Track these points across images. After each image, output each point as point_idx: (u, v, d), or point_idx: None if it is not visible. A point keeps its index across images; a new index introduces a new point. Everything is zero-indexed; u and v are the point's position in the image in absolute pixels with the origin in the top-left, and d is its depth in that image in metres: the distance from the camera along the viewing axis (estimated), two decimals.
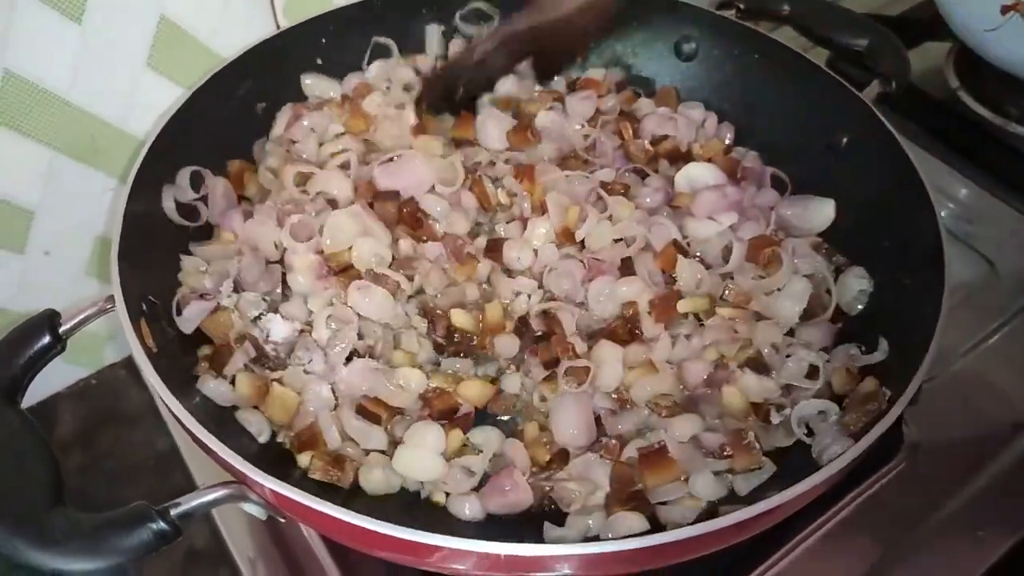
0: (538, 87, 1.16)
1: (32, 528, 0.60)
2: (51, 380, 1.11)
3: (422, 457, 0.80)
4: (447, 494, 0.80)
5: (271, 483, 0.64)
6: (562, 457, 0.83)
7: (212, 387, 0.82)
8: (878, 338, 0.86)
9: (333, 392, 0.84)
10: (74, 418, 1.11)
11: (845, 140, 1.02)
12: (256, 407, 0.84)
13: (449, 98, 1.09)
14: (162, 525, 0.61)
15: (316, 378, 0.85)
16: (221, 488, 0.66)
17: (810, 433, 0.82)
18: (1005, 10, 1.17)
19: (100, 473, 1.05)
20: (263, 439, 0.82)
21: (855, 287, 0.94)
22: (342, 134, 1.07)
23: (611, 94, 1.15)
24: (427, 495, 0.81)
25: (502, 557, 0.62)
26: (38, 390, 1.08)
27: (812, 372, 0.86)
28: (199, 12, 0.98)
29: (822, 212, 1.01)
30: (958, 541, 0.89)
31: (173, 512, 0.62)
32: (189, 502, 0.63)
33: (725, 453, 0.80)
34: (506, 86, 1.13)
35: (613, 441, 0.83)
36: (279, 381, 0.85)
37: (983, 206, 1.21)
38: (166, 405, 0.69)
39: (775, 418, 0.84)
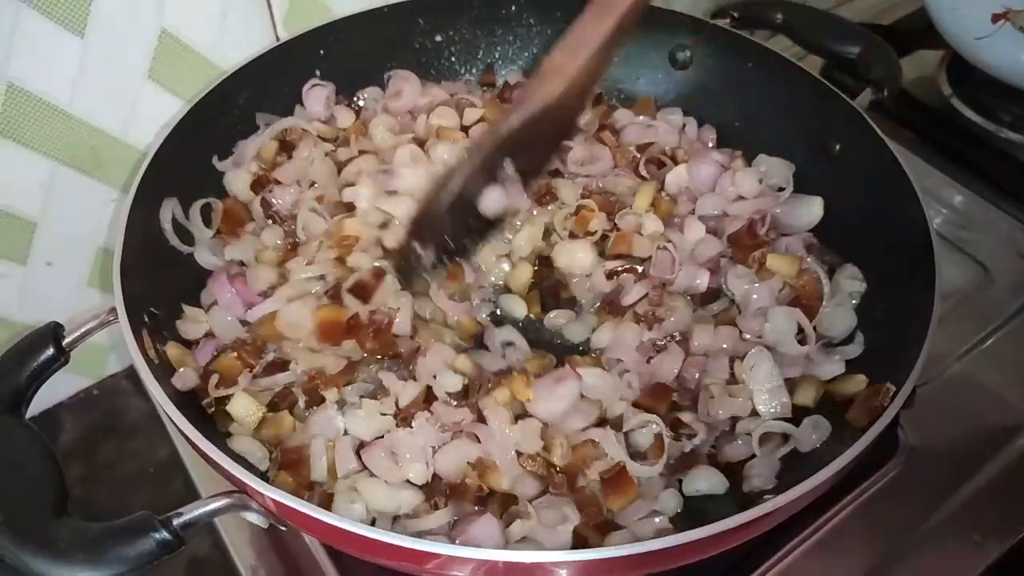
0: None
1: (37, 538, 0.61)
2: (54, 390, 1.11)
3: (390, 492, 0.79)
4: None
5: (272, 492, 0.64)
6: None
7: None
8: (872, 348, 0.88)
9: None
10: (77, 427, 1.11)
11: (838, 147, 1.03)
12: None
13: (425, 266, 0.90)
14: (165, 535, 0.61)
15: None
16: (223, 498, 0.66)
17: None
18: (996, 19, 1.18)
19: (103, 482, 1.05)
20: (263, 467, 0.81)
21: (848, 288, 0.95)
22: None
23: (586, 109, 1.14)
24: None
25: (500, 564, 0.63)
26: (41, 400, 1.07)
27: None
28: (199, 25, 0.99)
29: (811, 210, 1.03)
30: (954, 544, 0.90)
31: (175, 522, 0.63)
32: (191, 512, 0.64)
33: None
34: (492, 201, 0.85)
35: (559, 476, 0.82)
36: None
37: (977, 211, 1.23)
38: (168, 416, 0.70)
39: (740, 436, 0.85)
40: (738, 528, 0.63)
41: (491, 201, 0.85)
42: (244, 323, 0.92)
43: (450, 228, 0.87)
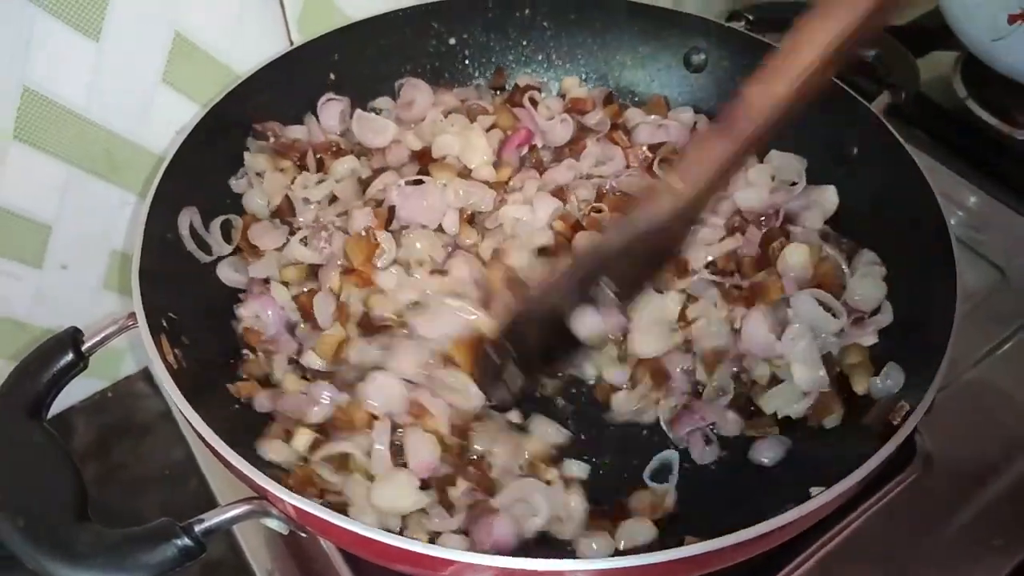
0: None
1: (58, 543, 0.61)
2: (69, 392, 1.10)
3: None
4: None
5: (293, 499, 0.64)
6: None
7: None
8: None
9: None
10: (91, 429, 1.11)
11: (855, 150, 1.02)
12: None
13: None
14: (187, 541, 0.61)
15: None
16: (243, 504, 0.66)
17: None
18: (1012, 19, 1.17)
19: (117, 484, 1.06)
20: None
21: (868, 271, 0.95)
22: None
23: (597, 109, 1.16)
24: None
25: (517, 572, 0.63)
26: (55, 402, 1.08)
27: None
28: (213, 29, 0.99)
29: (827, 199, 1.03)
30: (974, 550, 0.89)
31: (197, 528, 0.62)
32: (212, 518, 0.64)
33: None
34: (586, 323, 0.79)
35: None
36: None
37: (992, 214, 1.22)
38: (189, 423, 0.70)
39: None
40: (756, 539, 0.63)
41: (585, 324, 0.79)
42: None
43: (535, 344, 0.82)
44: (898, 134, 0.96)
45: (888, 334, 0.91)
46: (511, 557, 0.63)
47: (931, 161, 1.23)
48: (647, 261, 0.79)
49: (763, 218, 1.02)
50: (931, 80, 1.36)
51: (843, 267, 0.95)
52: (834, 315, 0.91)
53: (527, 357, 0.83)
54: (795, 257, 0.95)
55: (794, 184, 1.05)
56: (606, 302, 0.77)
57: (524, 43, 1.20)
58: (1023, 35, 1.18)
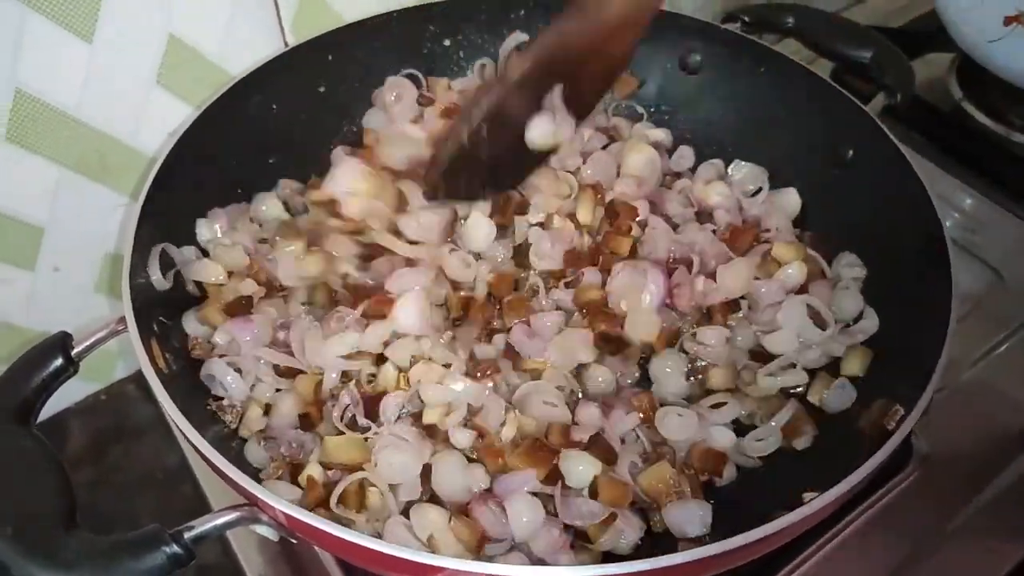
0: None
1: (47, 551, 0.61)
2: (62, 396, 1.10)
3: None
4: None
5: (283, 506, 0.64)
6: None
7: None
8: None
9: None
10: (84, 433, 1.11)
11: (850, 153, 1.02)
12: None
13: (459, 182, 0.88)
14: (176, 549, 0.61)
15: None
16: (233, 511, 0.66)
17: None
18: (1008, 21, 1.17)
19: (111, 488, 1.05)
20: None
21: (848, 274, 0.96)
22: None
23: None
24: None
25: None
26: (49, 406, 1.07)
27: None
28: (206, 30, 0.98)
29: (788, 200, 1.05)
30: (969, 553, 0.89)
31: (187, 535, 0.62)
32: (202, 525, 0.64)
33: None
34: (540, 130, 0.83)
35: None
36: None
37: (988, 215, 1.22)
38: (179, 429, 0.69)
39: None
40: (747, 545, 0.63)
41: (538, 128, 0.83)
42: None
43: (489, 154, 0.84)
44: (893, 136, 0.96)
45: (884, 338, 0.91)
46: (499, 564, 0.63)
47: (926, 163, 1.23)
48: (591, 76, 0.85)
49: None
50: (926, 82, 1.37)
51: (826, 268, 0.96)
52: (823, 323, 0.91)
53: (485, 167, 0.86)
54: (783, 253, 0.97)
55: (758, 191, 1.07)
56: (557, 108, 0.83)
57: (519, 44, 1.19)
58: (1019, 37, 1.18)
